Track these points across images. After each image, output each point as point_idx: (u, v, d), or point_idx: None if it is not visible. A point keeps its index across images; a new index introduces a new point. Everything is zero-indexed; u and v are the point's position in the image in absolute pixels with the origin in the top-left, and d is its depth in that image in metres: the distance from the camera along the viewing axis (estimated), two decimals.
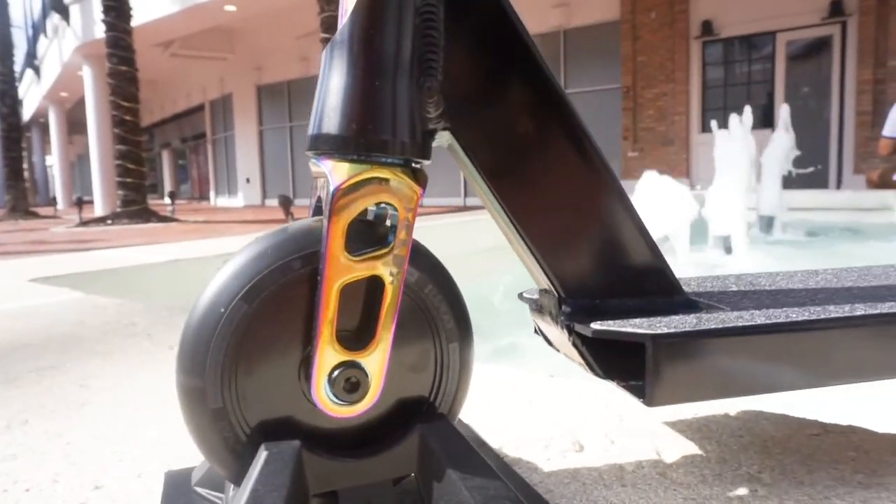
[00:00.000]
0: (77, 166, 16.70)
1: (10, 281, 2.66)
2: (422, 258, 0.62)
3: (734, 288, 0.76)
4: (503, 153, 0.61)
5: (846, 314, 0.61)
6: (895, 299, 0.67)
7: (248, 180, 16.26)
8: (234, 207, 15.84)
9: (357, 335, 0.58)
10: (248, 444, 0.57)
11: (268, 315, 0.56)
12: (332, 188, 0.55)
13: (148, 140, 23.30)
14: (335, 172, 0.56)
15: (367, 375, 0.57)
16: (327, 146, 0.56)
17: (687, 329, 0.57)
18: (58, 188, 18.40)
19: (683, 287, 0.73)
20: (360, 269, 0.56)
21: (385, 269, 0.57)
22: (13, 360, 1.36)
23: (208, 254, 3.23)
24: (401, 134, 0.57)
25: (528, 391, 1.03)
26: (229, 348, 0.55)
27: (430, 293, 0.62)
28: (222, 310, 0.55)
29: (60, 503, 0.72)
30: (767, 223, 6.06)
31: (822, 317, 0.60)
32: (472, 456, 0.59)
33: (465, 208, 10.90)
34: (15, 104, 13.59)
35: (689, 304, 0.66)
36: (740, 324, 0.58)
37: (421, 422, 0.60)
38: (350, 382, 0.57)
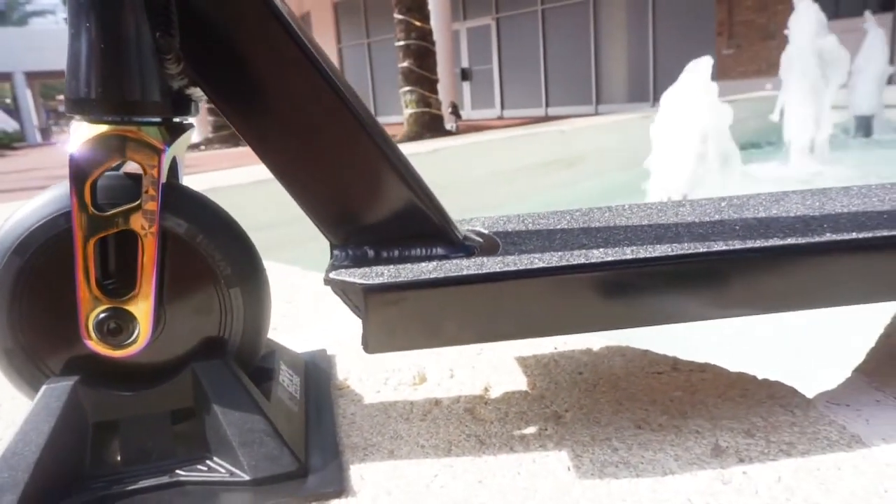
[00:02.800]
0: None
1: None
2: (193, 209, 0.65)
3: (528, 228, 0.73)
4: (250, 105, 0.62)
5: (597, 260, 0.58)
6: (671, 243, 0.62)
7: None
8: None
9: (123, 284, 0.63)
10: (40, 380, 0.64)
11: (42, 266, 0.62)
12: (70, 149, 0.59)
13: None
14: (75, 134, 0.59)
15: (134, 320, 0.63)
16: (71, 109, 0.59)
17: (403, 279, 0.57)
18: None
19: (484, 229, 0.72)
20: (111, 225, 0.60)
21: (137, 224, 0.60)
22: None
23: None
24: (136, 93, 0.59)
25: None
26: (10, 296, 0.62)
27: (201, 243, 0.65)
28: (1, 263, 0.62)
29: None
30: (863, 124, 5.47)
31: (573, 262, 0.58)
32: (239, 393, 0.64)
33: (546, 118, 10.58)
34: None
35: (460, 250, 0.65)
36: (468, 273, 0.58)
37: (197, 360, 0.65)
38: (116, 326, 0.62)
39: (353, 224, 0.64)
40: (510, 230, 0.74)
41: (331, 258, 0.65)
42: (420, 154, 3.65)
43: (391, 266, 0.61)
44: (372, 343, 0.58)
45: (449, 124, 9.88)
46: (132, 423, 0.65)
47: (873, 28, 5.55)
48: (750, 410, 0.69)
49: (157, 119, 0.62)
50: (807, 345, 1.36)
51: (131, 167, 0.63)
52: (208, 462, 0.64)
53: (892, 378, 0.73)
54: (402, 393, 0.80)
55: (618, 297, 0.60)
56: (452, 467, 0.63)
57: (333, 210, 0.64)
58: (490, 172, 3.69)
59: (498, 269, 0.58)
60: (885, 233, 0.61)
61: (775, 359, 1.27)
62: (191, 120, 0.70)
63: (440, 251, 0.64)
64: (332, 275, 0.60)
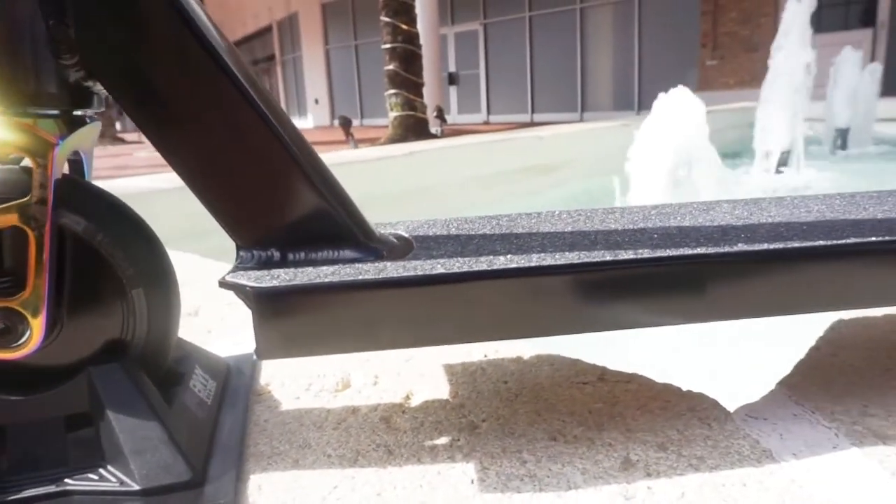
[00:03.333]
0: None
1: None
2: (94, 206, 0.63)
3: (449, 232, 0.72)
4: (149, 101, 0.59)
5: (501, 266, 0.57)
6: (579, 249, 0.61)
7: (316, 101, 16.44)
8: (305, 128, 16.14)
9: (14, 283, 0.60)
10: None
11: None
12: None
13: None
14: None
15: (25, 321, 0.60)
16: None
17: (296, 283, 0.55)
18: None
19: (406, 232, 0.70)
20: None
21: (24, 220, 0.58)
22: None
23: None
24: (29, 84, 0.56)
25: None
26: None
27: (102, 241, 0.62)
28: None
29: None
30: (840, 137, 5.53)
31: (474, 269, 0.57)
32: (135, 399, 0.61)
33: (532, 124, 10.60)
34: None
35: (368, 253, 0.63)
36: (364, 278, 0.56)
37: (93, 364, 0.63)
38: (5, 327, 0.59)
39: (259, 226, 0.62)
40: (431, 234, 0.72)
41: (236, 260, 0.63)
42: (395, 157, 3.63)
43: (291, 269, 0.59)
44: (262, 348, 0.56)
45: (434, 128, 9.88)
46: (21, 428, 0.62)
47: (851, 43, 5.62)
48: (667, 423, 0.67)
49: (54, 111, 0.59)
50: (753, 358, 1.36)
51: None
52: (101, 470, 0.61)
53: (814, 392, 0.72)
54: (321, 400, 0.77)
55: (516, 305, 0.59)
56: (354, 479, 0.61)
57: (238, 211, 0.62)
58: (464, 177, 3.67)
59: (395, 275, 0.56)
60: (797, 244, 0.60)
61: (720, 370, 1.26)
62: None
63: (347, 254, 0.62)
64: (229, 277, 0.58)
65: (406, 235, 0.72)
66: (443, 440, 0.67)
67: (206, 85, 0.59)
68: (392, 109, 9.34)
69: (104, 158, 10.90)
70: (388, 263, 0.61)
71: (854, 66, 5.48)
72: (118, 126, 19.31)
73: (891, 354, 0.79)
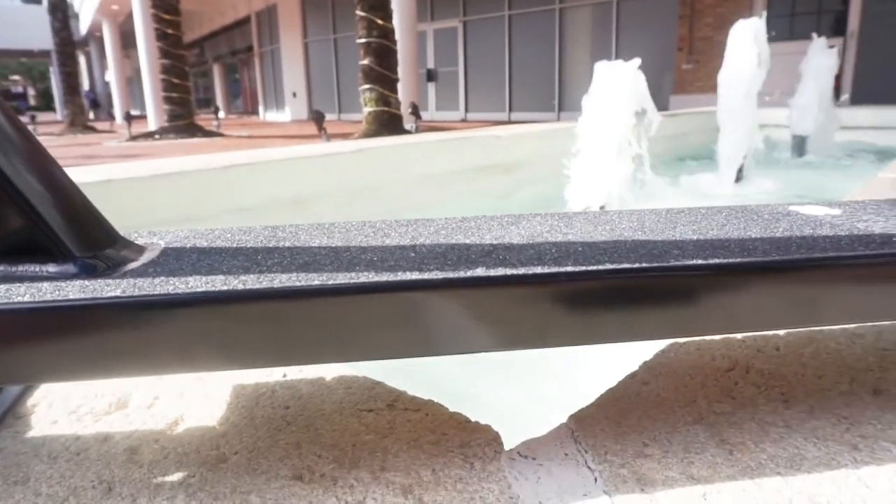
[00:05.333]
0: (135, 81, 17.20)
1: None
2: None
3: (215, 244, 0.65)
4: None
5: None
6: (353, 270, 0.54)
7: (294, 94, 16.26)
8: (282, 122, 15.97)
9: None
10: None
11: None
12: None
13: (199, 54, 23.52)
14: None
15: None
16: None
17: None
18: (115, 103, 19.03)
19: (164, 242, 0.63)
20: None
21: None
22: None
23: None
24: None
25: None
26: None
27: None
28: None
29: None
30: (798, 144, 5.54)
31: (186, 292, 0.50)
32: None
33: (509, 123, 10.54)
34: (66, 18, 13.86)
35: (79, 269, 0.56)
36: (47, 299, 0.49)
37: None
38: None
39: None
40: (194, 246, 0.65)
41: None
42: (342, 154, 3.55)
43: None
44: None
45: (408, 124, 9.79)
46: None
47: (817, 50, 5.62)
48: (429, 461, 0.61)
49: None
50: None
51: None
52: None
53: (602, 426, 0.66)
54: (80, 424, 0.70)
55: (237, 334, 0.52)
56: None
57: None
58: (407, 177, 3.60)
59: (85, 296, 0.49)
60: (570, 269, 0.54)
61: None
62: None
63: (51, 269, 0.55)
64: None
65: (162, 245, 0.65)
66: (176, 476, 0.60)
67: None
68: (366, 105, 9.26)
69: (73, 147, 10.70)
70: (93, 282, 0.54)
71: (818, 74, 5.49)
72: (91, 115, 19.00)
73: (705, 383, 0.74)
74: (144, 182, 2.75)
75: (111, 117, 19.09)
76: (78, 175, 2.71)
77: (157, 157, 6.45)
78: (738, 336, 0.86)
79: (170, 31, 11.28)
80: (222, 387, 0.78)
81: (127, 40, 18.63)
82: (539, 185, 4.20)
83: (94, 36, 23.62)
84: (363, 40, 9.04)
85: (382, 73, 9.25)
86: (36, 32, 20.29)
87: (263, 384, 0.78)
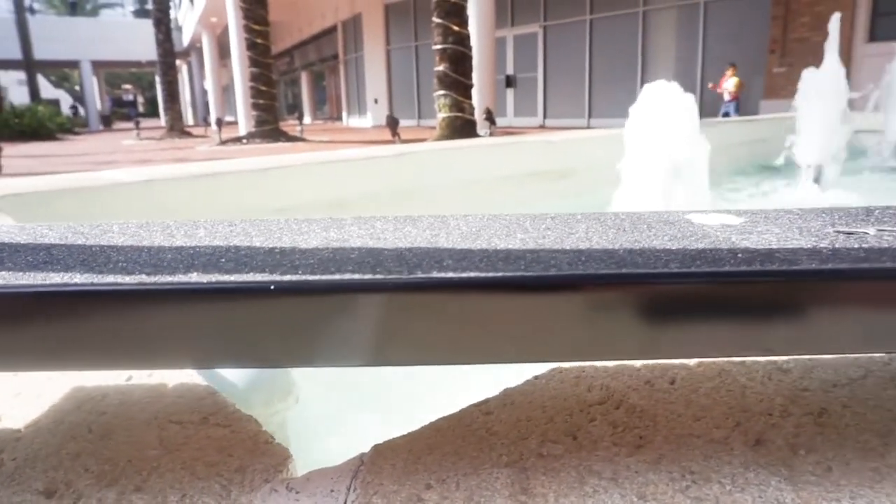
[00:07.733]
0: (230, 89, 18.24)
1: None
2: None
3: (69, 241, 0.62)
4: None
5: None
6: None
7: (375, 101, 16.64)
8: (363, 128, 16.39)
9: None
10: None
11: None
12: None
13: (289, 62, 24.54)
14: None
15: None
16: None
17: None
18: (211, 110, 20.21)
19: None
20: None
21: None
22: None
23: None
24: None
25: None
26: None
27: None
28: None
29: None
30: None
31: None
32: None
33: (588, 129, 10.30)
34: (168, 30, 14.89)
35: None
36: None
37: None
38: None
39: None
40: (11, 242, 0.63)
41: None
42: (383, 158, 3.55)
43: None
44: None
45: (483, 130, 9.75)
46: None
47: None
48: (190, 484, 0.55)
49: None
50: None
51: None
52: None
53: (393, 463, 0.57)
54: None
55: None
56: None
57: None
58: (446, 181, 3.55)
59: None
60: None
61: None
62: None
63: None
64: None
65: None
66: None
67: None
68: (440, 110, 9.31)
69: (169, 150, 11.46)
70: None
71: None
72: (191, 121, 20.26)
73: (554, 418, 0.63)
74: (181, 182, 2.86)
75: (207, 123, 20.31)
76: (124, 176, 2.86)
77: (235, 158, 6.79)
78: (637, 364, 0.75)
79: (259, 40, 11.86)
80: (63, 388, 0.75)
81: (223, 51, 19.77)
82: (579, 191, 4.04)
83: (195, 47, 25.23)
84: (439, 46, 9.11)
85: (457, 79, 9.27)
86: (144, 44, 21.96)
87: (102, 387, 0.75)
